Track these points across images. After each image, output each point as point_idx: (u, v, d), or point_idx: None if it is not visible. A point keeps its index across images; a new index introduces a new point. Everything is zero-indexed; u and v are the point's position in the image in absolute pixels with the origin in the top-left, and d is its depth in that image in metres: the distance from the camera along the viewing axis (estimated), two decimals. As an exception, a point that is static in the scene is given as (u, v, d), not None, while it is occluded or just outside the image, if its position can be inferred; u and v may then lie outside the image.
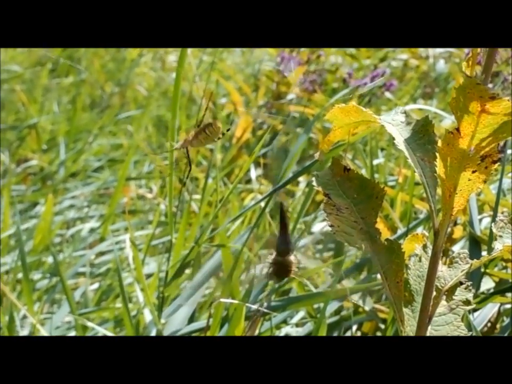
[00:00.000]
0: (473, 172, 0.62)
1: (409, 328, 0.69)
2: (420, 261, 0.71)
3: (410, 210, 1.25)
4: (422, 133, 0.66)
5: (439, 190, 0.66)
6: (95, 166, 2.41)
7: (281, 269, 0.76)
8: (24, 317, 1.45)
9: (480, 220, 1.29)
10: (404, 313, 0.69)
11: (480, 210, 1.36)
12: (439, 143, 0.62)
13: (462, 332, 0.69)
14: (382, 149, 2.07)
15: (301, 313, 1.30)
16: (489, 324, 1.19)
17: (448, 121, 1.89)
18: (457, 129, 0.60)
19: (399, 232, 1.31)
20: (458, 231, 1.32)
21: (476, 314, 1.10)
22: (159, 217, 1.81)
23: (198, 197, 1.92)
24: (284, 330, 1.29)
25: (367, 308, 1.26)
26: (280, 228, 0.77)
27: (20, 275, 1.53)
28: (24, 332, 1.36)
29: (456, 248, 1.31)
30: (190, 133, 0.82)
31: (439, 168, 0.63)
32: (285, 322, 1.29)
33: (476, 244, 1.18)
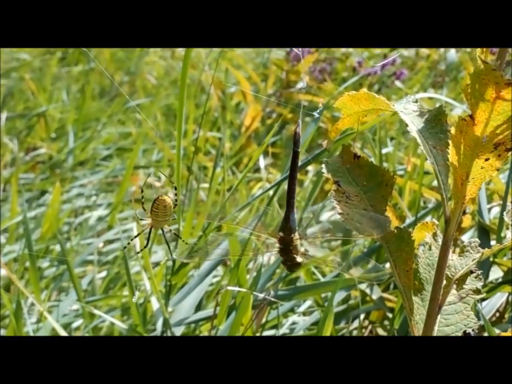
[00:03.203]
0: (486, 159, 0.61)
1: (419, 317, 0.68)
2: (430, 249, 0.71)
3: (419, 199, 1.24)
4: (435, 122, 0.65)
5: (450, 179, 0.66)
6: (103, 154, 2.40)
7: (286, 253, 0.74)
8: (32, 304, 1.45)
9: (489, 209, 1.28)
10: (414, 302, 0.68)
11: (489, 199, 1.35)
12: (452, 130, 0.61)
13: (472, 321, 0.68)
14: (392, 138, 2.06)
15: (308, 302, 1.30)
16: (497, 314, 1.18)
17: (458, 110, 1.88)
18: (471, 116, 0.59)
19: (408, 221, 1.30)
20: (467, 220, 1.31)
21: (484, 303, 1.09)
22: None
23: (206, 185, 1.92)
24: (291, 319, 1.28)
25: (374, 297, 1.25)
26: (286, 205, 0.74)
27: (28, 263, 1.53)
28: (31, 320, 1.36)
29: (465, 237, 1.30)
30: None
31: (452, 155, 0.62)
32: (292, 311, 1.28)
33: (484, 233, 1.17)
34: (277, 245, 0.74)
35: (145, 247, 0.86)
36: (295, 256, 0.73)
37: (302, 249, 0.74)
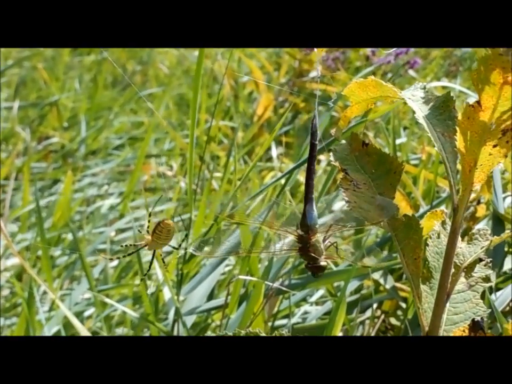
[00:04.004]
0: (494, 146, 0.61)
1: (427, 305, 0.68)
2: (439, 237, 0.70)
3: (433, 188, 1.23)
4: (443, 109, 0.65)
5: (459, 166, 0.65)
6: (115, 143, 2.41)
7: (305, 253, 0.72)
8: (44, 293, 1.45)
9: (504, 199, 1.27)
10: (422, 290, 0.67)
11: (504, 189, 1.34)
12: (459, 117, 0.61)
13: (481, 309, 0.68)
14: (405, 128, 2.05)
15: (321, 292, 1.29)
16: (511, 304, 1.17)
17: (472, 99, 1.86)
18: (478, 102, 0.59)
19: (421, 210, 1.30)
20: (481, 210, 1.30)
21: (497, 294, 1.08)
22: (179, 195, 1.81)
23: (218, 174, 1.92)
24: (303, 309, 1.28)
25: (387, 287, 1.25)
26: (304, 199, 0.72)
27: (40, 251, 1.54)
28: (44, 308, 1.36)
29: (479, 227, 1.29)
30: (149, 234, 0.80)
31: (459, 142, 0.62)
32: (304, 300, 1.28)
33: (499, 223, 1.17)
34: (296, 243, 0.72)
35: (147, 272, 0.86)
36: (316, 257, 0.70)
37: (328, 251, 0.71)
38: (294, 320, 1.24)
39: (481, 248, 0.68)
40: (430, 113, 0.64)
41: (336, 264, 1.29)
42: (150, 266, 0.84)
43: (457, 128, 0.61)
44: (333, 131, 0.74)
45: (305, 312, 1.29)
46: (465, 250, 0.68)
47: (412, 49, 2.31)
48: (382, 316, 1.29)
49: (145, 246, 0.79)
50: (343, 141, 0.76)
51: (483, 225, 1.28)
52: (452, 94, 0.65)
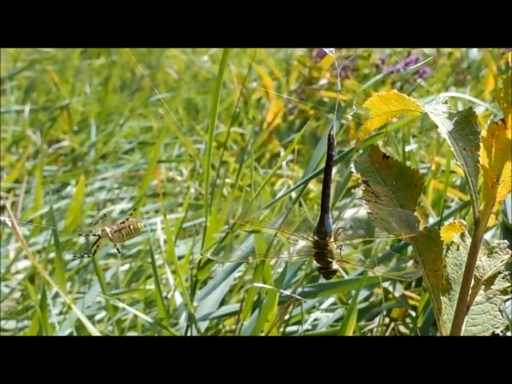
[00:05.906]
0: (517, 163, 0.62)
1: (446, 317, 0.69)
2: (458, 249, 0.71)
3: (443, 198, 1.24)
4: (465, 124, 0.66)
5: (479, 181, 0.66)
6: (125, 148, 2.41)
7: (321, 258, 0.74)
8: (55, 296, 1.46)
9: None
10: (441, 302, 0.69)
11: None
12: (483, 133, 0.62)
13: (499, 321, 0.69)
14: (413, 136, 2.06)
15: (331, 299, 1.30)
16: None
17: (481, 108, 1.87)
18: (503, 120, 0.60)
19: (431, 219, 1.31)
20: (490, 220, 1.31)
21: (506, 304, 1.09)
22: (189, 200, 1.82)
23: (228, 180, 1.93)
24: (314, 315, 1.29)
25: (397, 295, 1.26)
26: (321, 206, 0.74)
27: (52, 255, 1.54)
28: (55, 311, 1.37)
29: (487, 236, 1.30)
30: (112, 225, 0.81)
31: (483, 158, 0.63)
32: (315, 307, 1.29)
33: (508, 233, 1.17)
34: (312, 249, 0.74)
35: (92, 254, 0.86)
36: (330, 261, 0.72)
37: (339, 255, 0.73)
38: (305, 327, 1.25)
39: (502, 262, 0.69)
40: (453, 128, 0.65)
41: (346, 272, 1.30)
42: (95, 249, 0.84)
43: (481, 144, 0.62)
44: (352, 142, 0.75)
45: (316, 319, 1.29)
46: (485, 264, 0.69)
47: (421, 58, 2.32)
48: (392, 324, 1.30)
49: (104, 235, 0.80)
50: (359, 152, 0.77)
51: (491, 235, 1.29)
52: (473, 109, 0.66)
